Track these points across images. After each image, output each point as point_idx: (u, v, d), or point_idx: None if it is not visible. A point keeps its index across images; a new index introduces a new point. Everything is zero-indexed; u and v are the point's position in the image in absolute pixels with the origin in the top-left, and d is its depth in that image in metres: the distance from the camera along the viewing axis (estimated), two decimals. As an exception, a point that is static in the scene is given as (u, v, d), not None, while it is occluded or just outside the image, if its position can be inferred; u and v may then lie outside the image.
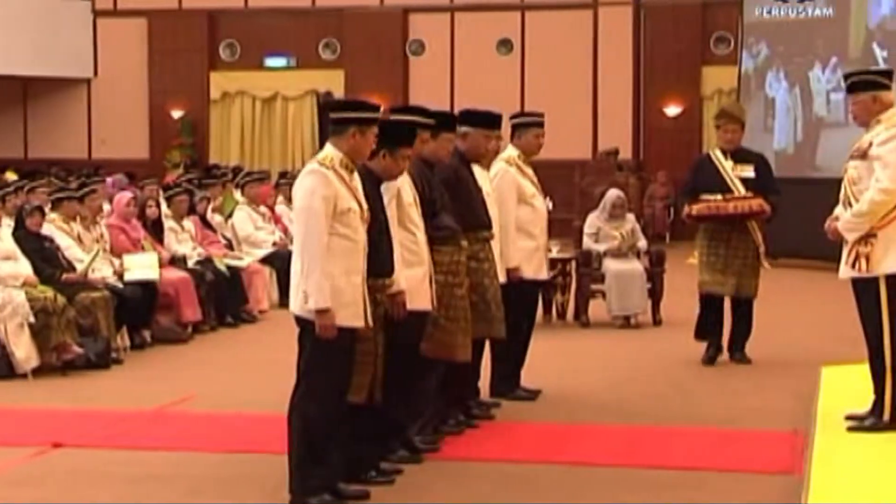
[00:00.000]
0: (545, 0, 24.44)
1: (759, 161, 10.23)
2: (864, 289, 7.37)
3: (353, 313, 6.21)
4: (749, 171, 10.02)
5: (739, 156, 10.13)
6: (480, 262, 8.10)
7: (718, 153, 10.16)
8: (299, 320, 6.24)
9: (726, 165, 10.02)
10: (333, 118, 6.37)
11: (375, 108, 6.49)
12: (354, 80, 24.73)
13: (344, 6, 24.88)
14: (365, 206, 6.32)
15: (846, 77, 7.76)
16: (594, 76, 24.23)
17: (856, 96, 7.48)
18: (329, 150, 6.32)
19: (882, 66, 17.93)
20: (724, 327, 10.22)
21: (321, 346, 6.13)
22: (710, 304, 10.13)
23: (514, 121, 9.21)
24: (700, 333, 10.23)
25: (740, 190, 9.94)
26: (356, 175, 6.36)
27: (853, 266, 7.34)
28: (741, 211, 9.91)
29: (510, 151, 9.08)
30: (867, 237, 7.29)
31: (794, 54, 19.85)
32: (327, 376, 6.21)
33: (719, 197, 9.91)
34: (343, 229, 6.17)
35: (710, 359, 10.12)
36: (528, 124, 9.14)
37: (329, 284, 6.07)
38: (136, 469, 7.20)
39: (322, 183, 6.15)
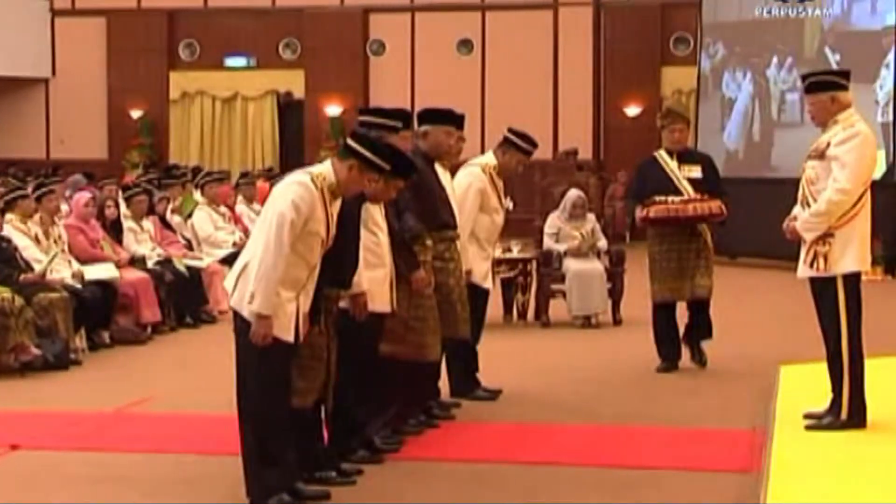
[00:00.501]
0: (505, 0, 24.49)
1: (706, 162, 10.03)
2: (822, 288, 7.42)
3: (280, 325, 6.14)
4: (696, 172, 9.79)
5: (686, 156, 9.91)
6: (445, 262, 8.11)
7: (664, 154, 9.89)
8: (238, 319, 6.21)
9: (672, 166, 9.77)
10: (343, 143, 6.34)
11: (388, 157, 6.35)
12: (315, 81, 24.73)
13: (304, 6, 24.84)
14: (333, 232, 6.26)
15: (804, 78, 7.78)
16: (554, 76, 24.29)
17: (814, 96, 7.50)
18: (327, 167, 6.26)
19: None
20: (678, 335, 10.02)
21: (255, 350, 6.10)
22: (664, 314, 9.93)
23: (510, 135, 9.08)
24: (661, 349, 9.96)
25: (689, 191, 9.70)
26: (339, 202, 6.29)
27: (811, 265, 7.39)
28: (701, 213, 9.67)
29: (489, 159, 9.05)
30: (825, 237, 7.33)
31: (750, 55, 19.99)
32: (264, 380, 6.18)
33: (677, 199, 9.68)
34: (300, 247, 6.13)
35: (666, 368, 9.87)
36: (520, 149, 9.06)
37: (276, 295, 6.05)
38: (95, 470, 7.17)
39: (306, 198, 6.09)
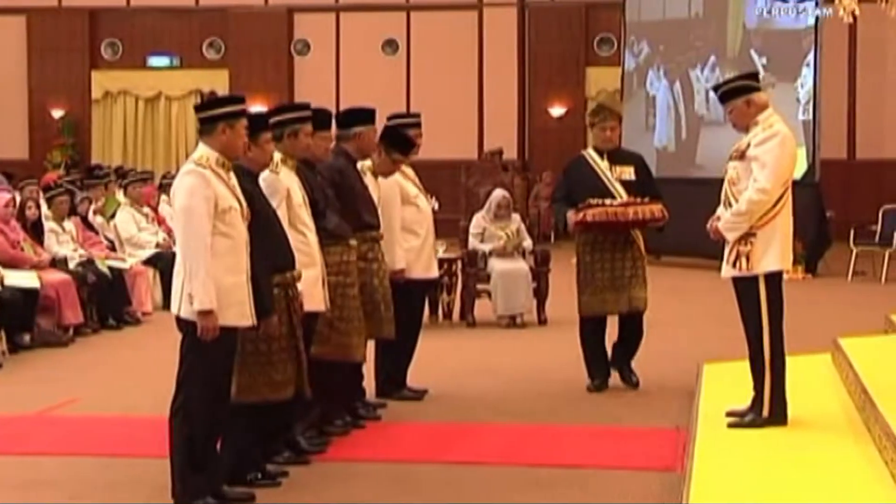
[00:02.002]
0: (430, 0, 24.52)
1: (639, 162, 9.32)
2: (745, 287, 7.49)
3: (238, 312, 6.18)
4: (629, 174, 9.11)
5: (617, 156, 9.20)
6: (369, 262, 8.11)
7: (593, 153, 9.21)
8: (181, 322, 6.18)
9: (602, 167, 9.09)
10: (201, 118, 6.32)
11: (240, 101, 6.47)
12: (239, 80, 24.60)
13: (228, 5, 24.72)
14: (245, 203, 6.30)
15: (716, 89, 7.83)
16: (479, 77, 24.37)
17: (730, 104, 7.57)
18: (203, 149, 6.27)
19: (762, 72, 18.28)
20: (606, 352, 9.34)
21: (204, 348, 6.08)
22: (593, 328, 9.22)
23: (392, 122, 9.16)
24: (592, 366, 9.25)
25: (621, 194, 8.99)
26: (233, 174, 6.32)
27: (734, 265, 7.46)
28: (642, 217, 8.93)
29: None
30: (747, 236, 7.40)
31: (675, 54, 20.12)
32: (210, 379, 6.16)
33: (615, 201, 8.91)
34: (224, 228, 6.14)
35: (598, 387, 9.20)
36: (405, 125, 9.11)
37: (213, 285, 6.03)
38: (18, 474, 7.08)
39: (201, 183, 6.11)
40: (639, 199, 8.99)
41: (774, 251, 7.39)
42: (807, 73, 18.09)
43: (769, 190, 7.30)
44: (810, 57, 18.02)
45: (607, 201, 8.94)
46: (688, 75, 19.95)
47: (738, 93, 7.53)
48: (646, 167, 9.41)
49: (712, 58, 19.53)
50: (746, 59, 18.66)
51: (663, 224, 9.12)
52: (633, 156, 9.50)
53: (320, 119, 7.58)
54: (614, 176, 9.11)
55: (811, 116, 17.89)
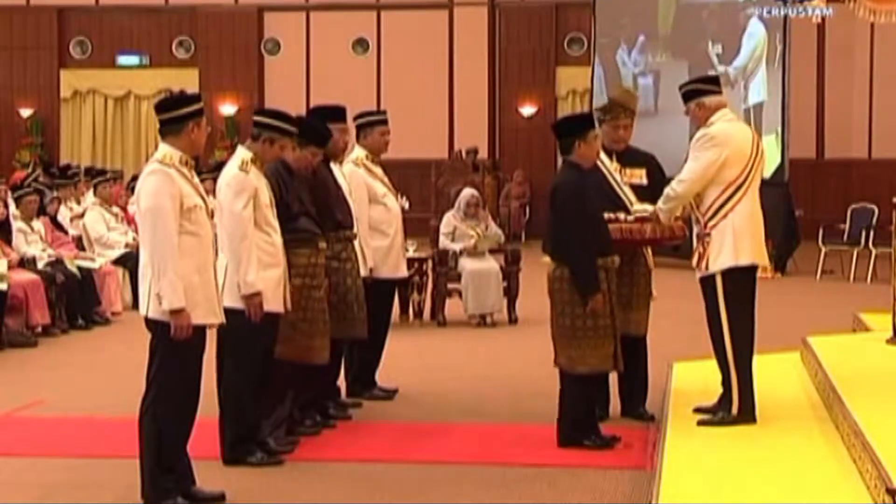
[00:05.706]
0: (401, 0, 24.52)
1: (651, 163, 8.33)
2: (705, 287, 7.54)
3: (207, 310, 6.18)
4: (640, 177, 8.18)
5: (628, 157, 8.23)
6: (342, 262, 8.10)
7: (602, 154, 7.98)
8: (151, 323, 6.15)
9: (611, 169, 8.10)
10: (168, 118, 6.26)
11: (199, 98, 6.49)
12: (209, 79, 24.54)
13: (198, 4, 24.65)
14: (210, 201, 6.32)
15: (680, 90, 7.91)
16: (450, 76, 24.37)
17: (686, 106, 7.73)
18: (166, 149, 6.24)
19: (717, 63, 18.25)
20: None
21: (175, 347, 6.06)
22: None
23: (357, 121, 9.13)
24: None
25: (631, 200, 8.01)
26: (194, 172, 6.32)
27: (697, 266, 7.53)
28: (661, 235, 7.89)
29: (357, 152, 9.05)
30: (703, 237, 7.48)
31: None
32: (180, 378, 6.15)
33: (630, 217, 7.84)
34: (190, 226, 6.13)
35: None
36: (372, 123, 9.11)
37: (182, 284, 6.01)
38: (-17, 476, 7.04)
39: (166, 182, 6.09)
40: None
41: (728, 249, 7.45)
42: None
43: (684, 181, 7.51)
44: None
45: (622, 216, 7.85)
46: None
47: (690, 96, 7.66)
48: (659, 168, 8.38)
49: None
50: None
51: (682, 242, 8.15)
52: (644, 156, 8.40)
53: (314, 133, 7.72)
54: (624, 179, 8.16)
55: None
